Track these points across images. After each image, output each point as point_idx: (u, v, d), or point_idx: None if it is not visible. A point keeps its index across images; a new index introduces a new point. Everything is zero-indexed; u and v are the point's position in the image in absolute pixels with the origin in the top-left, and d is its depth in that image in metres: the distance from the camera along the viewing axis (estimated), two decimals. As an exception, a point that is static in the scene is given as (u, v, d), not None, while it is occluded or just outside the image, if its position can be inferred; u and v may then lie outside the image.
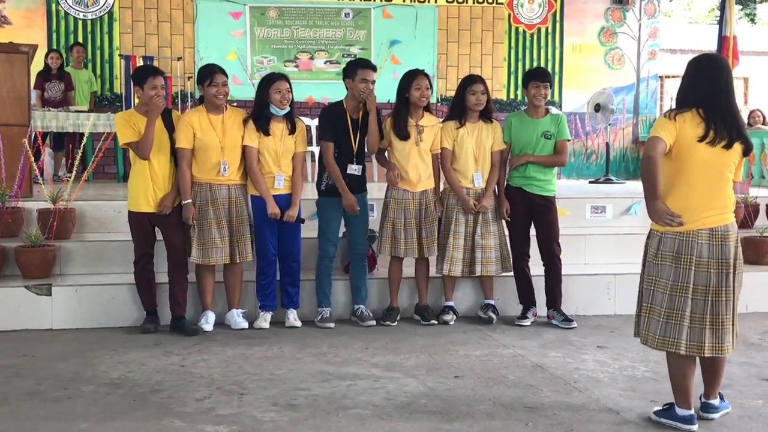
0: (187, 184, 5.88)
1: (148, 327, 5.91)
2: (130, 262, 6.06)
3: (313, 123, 9.96)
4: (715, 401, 4.22)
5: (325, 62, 11.82)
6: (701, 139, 3.91)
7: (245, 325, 6.08)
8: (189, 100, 10.71)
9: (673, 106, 4.16)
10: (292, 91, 6.06)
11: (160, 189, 5.86)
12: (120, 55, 11.11)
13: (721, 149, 3.94)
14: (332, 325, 6.16)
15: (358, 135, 6.18)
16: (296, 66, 11.61)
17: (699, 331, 3.98)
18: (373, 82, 6.15)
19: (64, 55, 10.66)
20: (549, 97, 6.36)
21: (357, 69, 6.14)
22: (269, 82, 6.03)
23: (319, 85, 11.63)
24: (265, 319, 6.11)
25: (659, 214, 3.95)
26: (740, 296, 4.10)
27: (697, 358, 4.09)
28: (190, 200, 5.87)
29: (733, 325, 4.04)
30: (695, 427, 4.03)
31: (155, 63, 11.02)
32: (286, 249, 6.15)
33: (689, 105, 3.99)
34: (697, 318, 3.98)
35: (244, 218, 6.05)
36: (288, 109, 6.04)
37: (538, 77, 6.32)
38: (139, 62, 10.62)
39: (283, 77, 6.07)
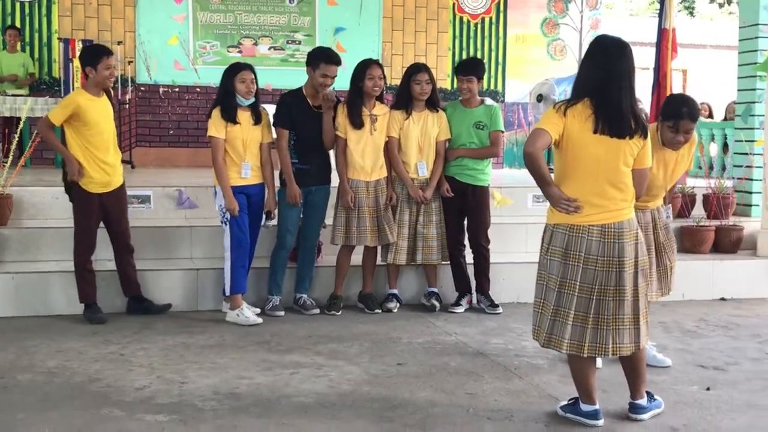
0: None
1: (102, 316, 5.82)
2: (68, 250, 5.95)
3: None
4: (642, 401, 4.09)
5: (269, 48, 11.72)
6: (593, 132, 3.79)
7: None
8: (129, 84, 10.53)
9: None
10: (257, 81, 5.98)
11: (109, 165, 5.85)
12: (59, 39, 10.86)
13: (613, 142, 3.81)
14: (282, 313, 6.15)
15: (317, 123, 6.16)
16: (239, 52, 11.49)
17: (580, 330, 3.87)
18: (335, 76, 6.10)
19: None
20: (484, 88, 6.41)
21: (320, 62, 6.06)
22: (234, 71, 5.92)
23: (263, 71, 11.44)
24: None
25: (555, 199, 3.86)
26: (645, 294, 3.97)
27: (619, 357, 4.03)
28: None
29: (635, 325, 3.90)
30: (600, 422, 3.97)
31: (95, 47, 10.79)
32: (252, 238, 6.09)
33: (582, 94, 3.86)
34: (581, 316, 3.87)
35: None
36: (253, 99, 5.96)
37: (461, 71, 6.39)
38: (78, 46, 10.39)
39: (248, 67, 5.97)
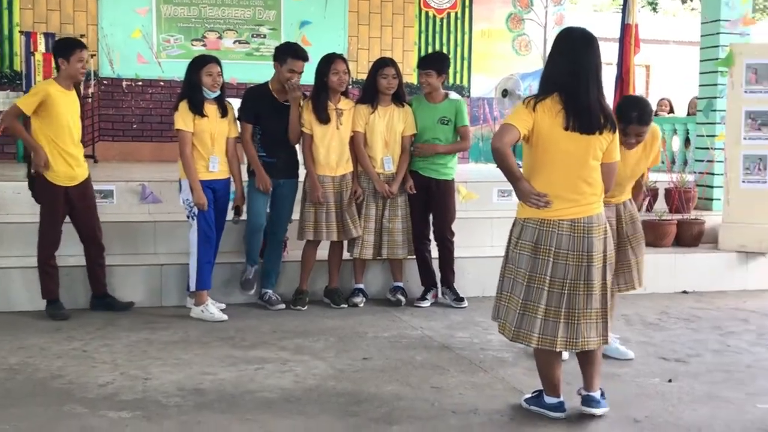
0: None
1: (65, 312, 5.78)
2: (30, 245, 5.88)
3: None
4: (596, 394, 4.04)
5: (234, 42, 11.65)
6: (564, 129, 3.79)
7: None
8: (92, 78, 10.41)
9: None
10: (222, 74, 5.94)
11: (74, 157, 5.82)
12: (20, 32, 10.70)
13: (584, 138, 3.81)
14: (252, 292, 6.27)
15: (284, 117, 6.13)
16: (204, 45, 11.41)
17: (552, 325, 3.85)
18: (301, 72, 6.07)
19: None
20: (449, 83, 6.43)
21: (287, 57, 6.03)
22: (200, 64, 5.88)
23: (228, 65, 11.34)
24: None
25: (525, 194, 3.84)
26: (611, 287, 3.98)
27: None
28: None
29: (603, 319, 3.91)
30: (563, 414, 3.99)
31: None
32: (218, 232, 6.05)
33: (551, 89, 3.86)
34: (552, 311, 3.85)
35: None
36: (219, 92, 5.92)
37: (420, 65, 6.44)
38: (40, 39, 10.26)
39: (215, 59, 5.94)
